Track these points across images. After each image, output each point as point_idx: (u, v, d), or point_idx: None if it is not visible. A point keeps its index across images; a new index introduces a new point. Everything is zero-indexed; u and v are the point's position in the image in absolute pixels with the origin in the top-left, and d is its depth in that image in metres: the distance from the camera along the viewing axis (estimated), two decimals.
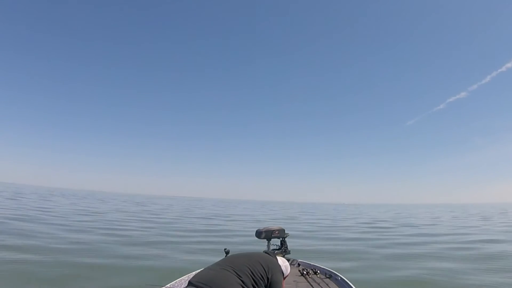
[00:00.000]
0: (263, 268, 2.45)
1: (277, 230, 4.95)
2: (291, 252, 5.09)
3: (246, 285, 2.27)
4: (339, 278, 3.92)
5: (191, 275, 3.85)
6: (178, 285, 3.66)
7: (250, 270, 2.37)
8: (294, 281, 3.83)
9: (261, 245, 5.11)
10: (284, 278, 2.74)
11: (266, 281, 2.43)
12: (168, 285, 3.57)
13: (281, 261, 2.86)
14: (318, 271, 4.16)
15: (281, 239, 5.06)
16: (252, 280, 2.33)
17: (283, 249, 5.02)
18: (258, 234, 4.89)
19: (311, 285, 3.68)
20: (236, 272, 2.30)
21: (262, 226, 5.04)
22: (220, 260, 2.57)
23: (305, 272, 4.07)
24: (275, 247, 5.03)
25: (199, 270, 2.79)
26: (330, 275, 4.07)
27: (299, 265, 4.58)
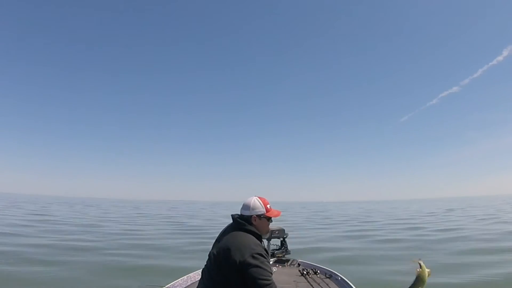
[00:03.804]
0: (230, 260, 1.98)
1: (277, 230, 4.95)
2: (291, 252, 5.09)
3: None
4: (339, 278, 3.92)
5: (191, 275, 3.86)
6: (178, 285, 3.66)
7: (211, 274, 2.06)
8: (294, 281, 3.83)
9: None
10: (269, 219, 2.24)
11: (237, 267, 1.96)
12: (168, 285, 3.58)
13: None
14: (318, 271, 4.16)
15: (281, 239, 5.07)
16: (218, 281, 2.02)
17: (283, 249, 5.03)
18: None
19: (311, 285, 3.68)
20: (205, 283, 2.10)
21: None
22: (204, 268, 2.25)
23: (305, 272, 4.06)
24: (275, 247, 5.03)
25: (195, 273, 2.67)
26: (330, 275, 4.06)
27: (299, 265, 4.58)
